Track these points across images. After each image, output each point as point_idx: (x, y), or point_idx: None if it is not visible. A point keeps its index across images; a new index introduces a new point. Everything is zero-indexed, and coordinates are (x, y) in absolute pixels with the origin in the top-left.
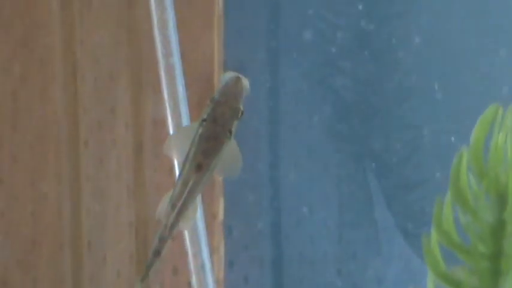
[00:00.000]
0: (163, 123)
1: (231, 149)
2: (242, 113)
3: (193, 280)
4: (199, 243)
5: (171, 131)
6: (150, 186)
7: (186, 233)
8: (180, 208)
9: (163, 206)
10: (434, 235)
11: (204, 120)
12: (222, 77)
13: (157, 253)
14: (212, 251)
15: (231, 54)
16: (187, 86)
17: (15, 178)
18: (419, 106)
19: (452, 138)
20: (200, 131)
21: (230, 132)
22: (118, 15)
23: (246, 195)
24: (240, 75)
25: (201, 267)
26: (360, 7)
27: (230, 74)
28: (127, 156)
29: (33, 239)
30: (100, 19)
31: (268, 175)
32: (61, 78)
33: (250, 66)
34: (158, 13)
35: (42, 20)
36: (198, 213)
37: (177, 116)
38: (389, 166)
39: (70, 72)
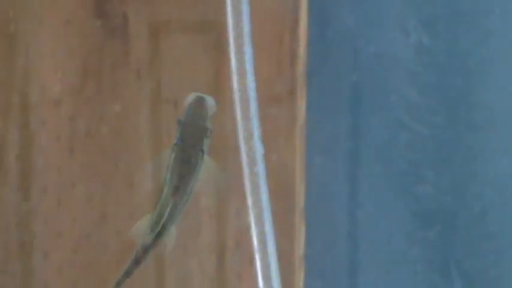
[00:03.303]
0: (246, 242)
1: (208, 168)
2: (211, 132)
3: None
4: None
5: (254, 240)
6: None
7: None
8: (160, 231)
9: (138, 227)
10: None
11: (175, 144)
12: (186, 100)
13: (128, 274)
14: None
15: (313, 166)
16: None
17: None
18: (500, 216)
19: None
20: (173, 155)
21: (202, 152)
22: None
23: None
24: (203, 95)
25: None
26: (443, 117)
27: (193, 95)
28: (210, 276)
29: None
30: None
31: None
32: (149, 196)
33: (331, 177)
34: (244, 124)
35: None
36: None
37: (260, 224)
38: (472, 275)
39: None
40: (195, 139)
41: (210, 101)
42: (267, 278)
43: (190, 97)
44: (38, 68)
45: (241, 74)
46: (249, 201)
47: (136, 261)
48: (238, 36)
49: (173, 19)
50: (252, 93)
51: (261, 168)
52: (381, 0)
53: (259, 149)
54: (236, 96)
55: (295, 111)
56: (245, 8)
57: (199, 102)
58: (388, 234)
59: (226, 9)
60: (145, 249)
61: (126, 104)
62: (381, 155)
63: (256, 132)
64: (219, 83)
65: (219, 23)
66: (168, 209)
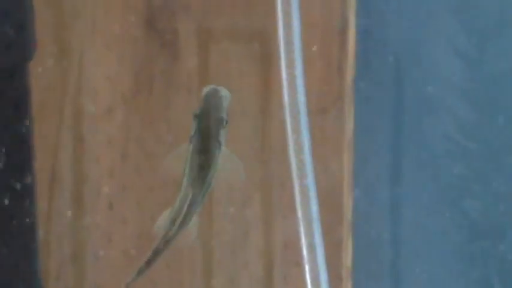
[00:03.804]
0: (293, 246)
1: (226, 158)
2: (227, 122)
3: None
4: None
5: (304, 250)
6: None
7: None
8: (181, 223)
9: (162, 220)
10: None
11: (192, 136)
12: (202, 92)
13: (149, 264)
14: None
15: (359, 178)
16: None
17: None
18: None
19: None
20: (191, 147)
21: (219, 143)
22: (250, 138)
23: None
24: (219, 87)
25: None
26: (490, 131)
27: (208, 87)
28: (257, 279)
29: None
30: (234, 140)
31: None
32: None
33: (376, 189)
34: (294, 138)
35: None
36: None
37: (310, 235)
38: None
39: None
40: (212, 130)
41: (224, 92)
42: None
43: (206, 89)
44: (90, 76)
45: (292, 88)
46: (299, 213)
47: (157, 252)
48: (289, 50)
49: (222, 33)
50: (302, 107)
51: (310, 180)
52: (428, 12)
53: (309, 161)
54: (286, 109)
55: (343, 123)
56: (296, 22)
57: (214, 93)
58: (432, 247)
59: (276, 23)
60: (167, 241)
61: (176, 112)
62: (427, 168)
63: (307, 145)
64: (266, 94)
65: (267, 34)
66: (188, 201)
